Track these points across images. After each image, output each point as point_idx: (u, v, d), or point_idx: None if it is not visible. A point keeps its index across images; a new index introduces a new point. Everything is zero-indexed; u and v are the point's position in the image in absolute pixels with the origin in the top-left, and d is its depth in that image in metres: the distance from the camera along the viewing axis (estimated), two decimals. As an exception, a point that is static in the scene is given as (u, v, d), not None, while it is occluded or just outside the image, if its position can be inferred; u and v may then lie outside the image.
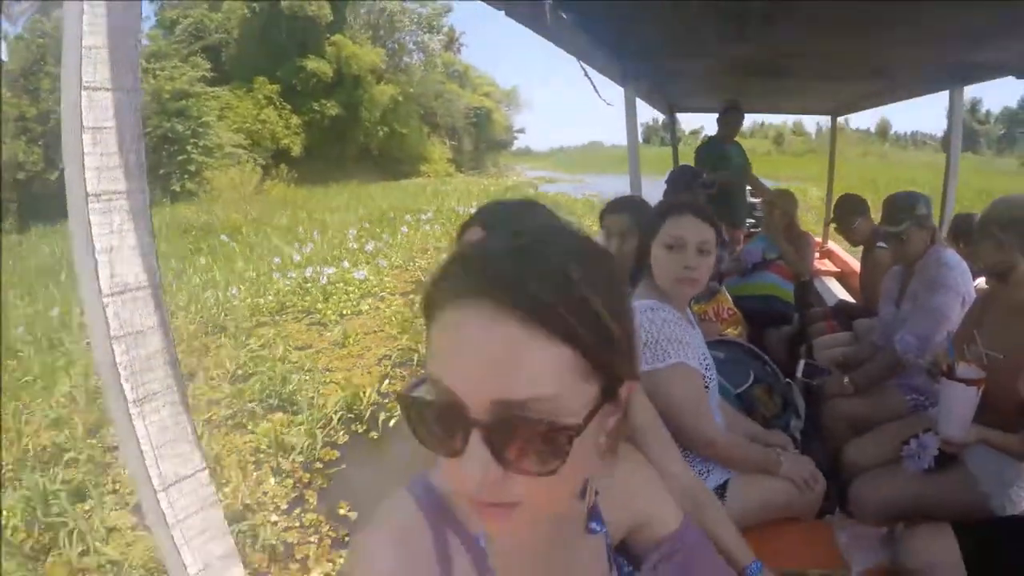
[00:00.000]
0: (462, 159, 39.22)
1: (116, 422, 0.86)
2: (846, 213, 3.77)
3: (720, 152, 5.14)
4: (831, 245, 6.31)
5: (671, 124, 6.75)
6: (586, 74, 2.98)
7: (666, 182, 4.03)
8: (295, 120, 30.42)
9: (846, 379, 2.74)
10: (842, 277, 5.45)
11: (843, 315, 3.90)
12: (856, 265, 5.04)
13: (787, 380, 2.48)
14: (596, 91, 3.12)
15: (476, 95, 42.76)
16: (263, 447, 4.40)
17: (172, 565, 0.88)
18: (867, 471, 2.22)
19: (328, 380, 5.79)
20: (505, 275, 0.60)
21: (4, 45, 24.18)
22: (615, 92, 3.41)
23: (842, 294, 4.89)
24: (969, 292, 2.59)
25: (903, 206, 2.77)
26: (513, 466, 0.59)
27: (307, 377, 5.73)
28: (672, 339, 1.77)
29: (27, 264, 11.36)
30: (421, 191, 22.51)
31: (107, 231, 0.83)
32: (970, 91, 3.63)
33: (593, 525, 0.86)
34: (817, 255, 6.18)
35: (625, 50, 3.11)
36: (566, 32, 2.53)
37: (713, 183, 4.18)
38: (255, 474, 4.10)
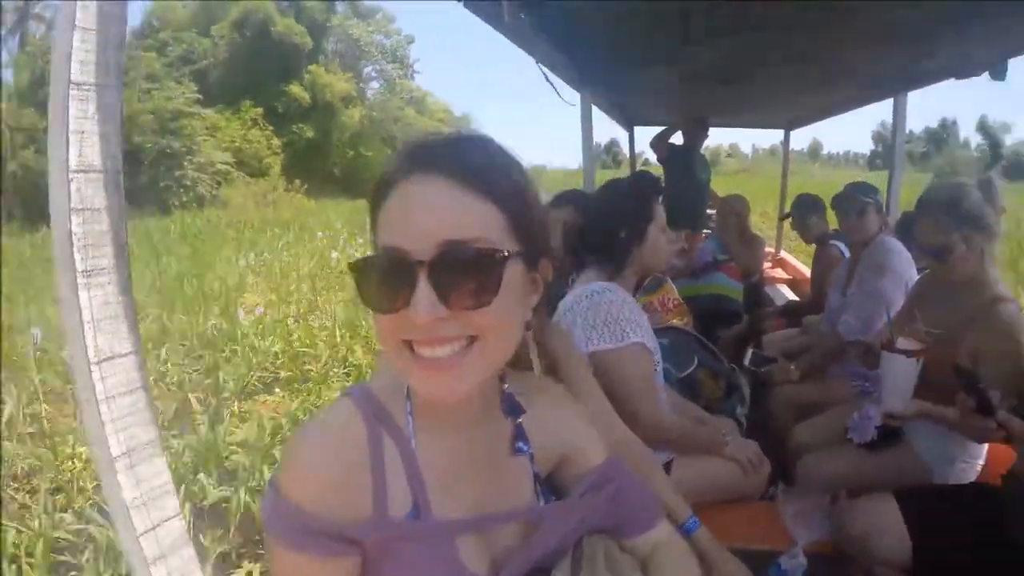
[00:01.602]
0: None
1: (62, 294, 0.89)
2: (803, 211, 3.90)
3: (685, 160, 5.26)
4: (783, 254, 6.46)
5: (630, 140, 6.87)
6: (547, 78, 3.04)
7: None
8: (276, 141, 31.95)
9: (792, 366, 2.84)
10: (794, 284, 5.58)
11: (792, 314, 4.04)
12: (807, 272, 5.17)
13: (731, 366, 2.55)
14: (557, 92, 3.20)
15: (432, 120, 44.46)
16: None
17: (97, 443, 0.91)
18: (814, 450, 2.30)
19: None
20: (445, 152, 0.77)
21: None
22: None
23: (794, 299, 5.02)
24: (911, 278, 2.70)
25: (867, 189, 3.00)
26: (455, 302, 0.72)
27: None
28: (631, 320, 1.83)
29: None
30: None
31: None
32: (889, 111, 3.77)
33: (520, 445, 0.93)
34: (769, 264, 6.33)
35: (582, 55, 3.18)
36: (524, 33, 2.58)
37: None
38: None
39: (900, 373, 1.78)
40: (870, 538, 1.73)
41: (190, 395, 4.84)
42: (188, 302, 7.80)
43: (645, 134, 6.40)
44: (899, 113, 3.66)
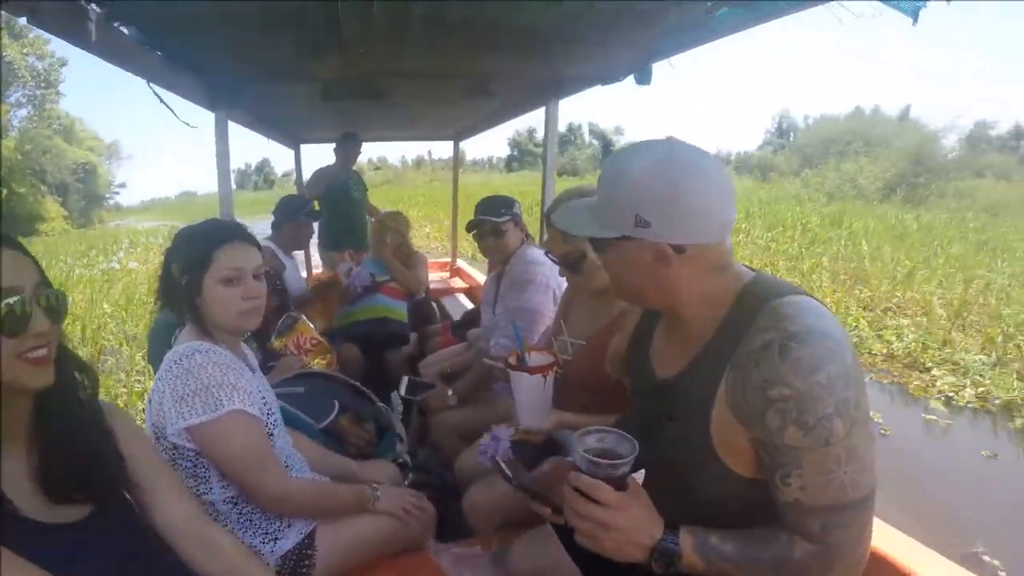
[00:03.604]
0: (72, 215, 37.66)
1: None
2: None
3: (338, 180, 5.13)
4: (460, 263, 6.54)
5: (296, 159, 6.49)
6: (161, 100, 2.57)
7: (273, 212, 3.77)
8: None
9: (450, 391, 2.68)
10: (470, 292, 5.64)
11: (464, 327, 3.93)
12: (482, 280, 5.24)
13: (381, 404, 2.33)
14: (175, 114, 2.73)
15: (82, 149, 41.67)
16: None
17: None
18: (479, 480, 2.15)
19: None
20: None
21: None
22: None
23: (468, 308, 5.00)
24: (560, 285, 2.60)
25: (504, 203, 2.88)
26: None
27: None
28: (225, 384, 1.54)
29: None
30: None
31: None
32: (527, 120, 3.92)
33: None
34: (447, 274, 6.38)
35: (210, 74, 2.79)
36: (127, 50, 2.11)
37: (318, 212, 4.01)
38: None
39: (529, 391, 1.67)
40: None
41: None
42: None
43: (310, 151, 6.20)
44: (551, 119, 3.72)
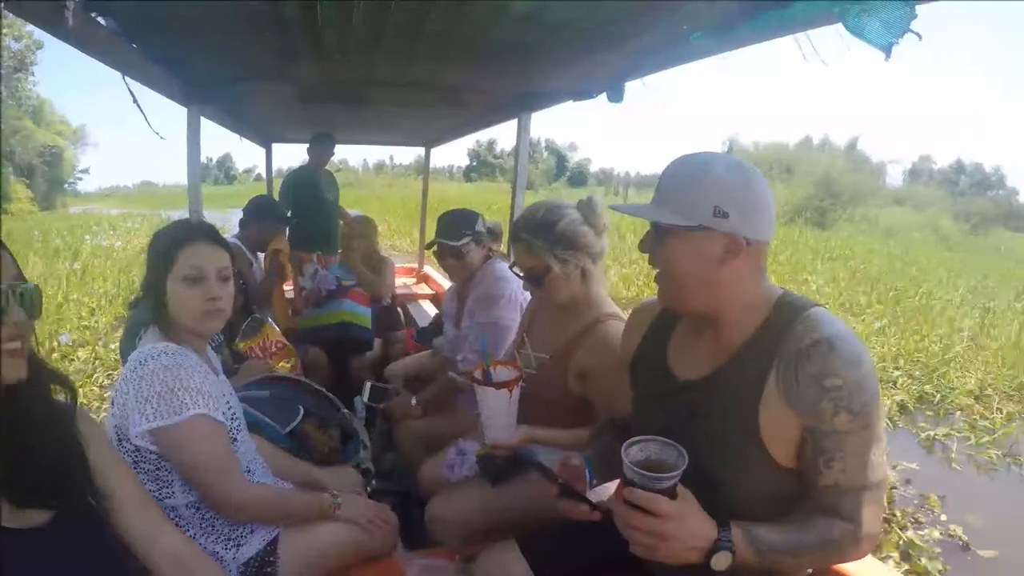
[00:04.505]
0: (37, 198, 37.09)
1: None
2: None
3: (310, 181, 5.10)
4: (427, 269, 6.51)
5: (267, 157, 6.43)
6: (135, 101, 2.51)
7: (244, 211, 3.73)
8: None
9: (414, 400, 2.67)
10: (436, 299, 5.62)
11: (430, 334, 3.88)
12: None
13: (344, 411, 2.31)
14: (147, 121, 2.66)
15: (50, 132, 41.32)
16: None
17: None
18: (442, 491, 2.12)
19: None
20: None
21: None
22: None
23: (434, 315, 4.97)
24: (527, 299, 2.51)
25: (465, 222, 2.71)
26: None
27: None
28: (190, 388, 1.52)
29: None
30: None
31: None
32: (489, 133, 3.91)
33: None
34: (414, 280, 6.36)
35: (184, 70, 2.75)
36: (103, 42, 2.07)
37: (291, 216, 3.98)
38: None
39: (494, 405, 1.67)
40: None
41: None
42: None
43: (282, 150, 6.18)
44: (523, 132, 3.71)
